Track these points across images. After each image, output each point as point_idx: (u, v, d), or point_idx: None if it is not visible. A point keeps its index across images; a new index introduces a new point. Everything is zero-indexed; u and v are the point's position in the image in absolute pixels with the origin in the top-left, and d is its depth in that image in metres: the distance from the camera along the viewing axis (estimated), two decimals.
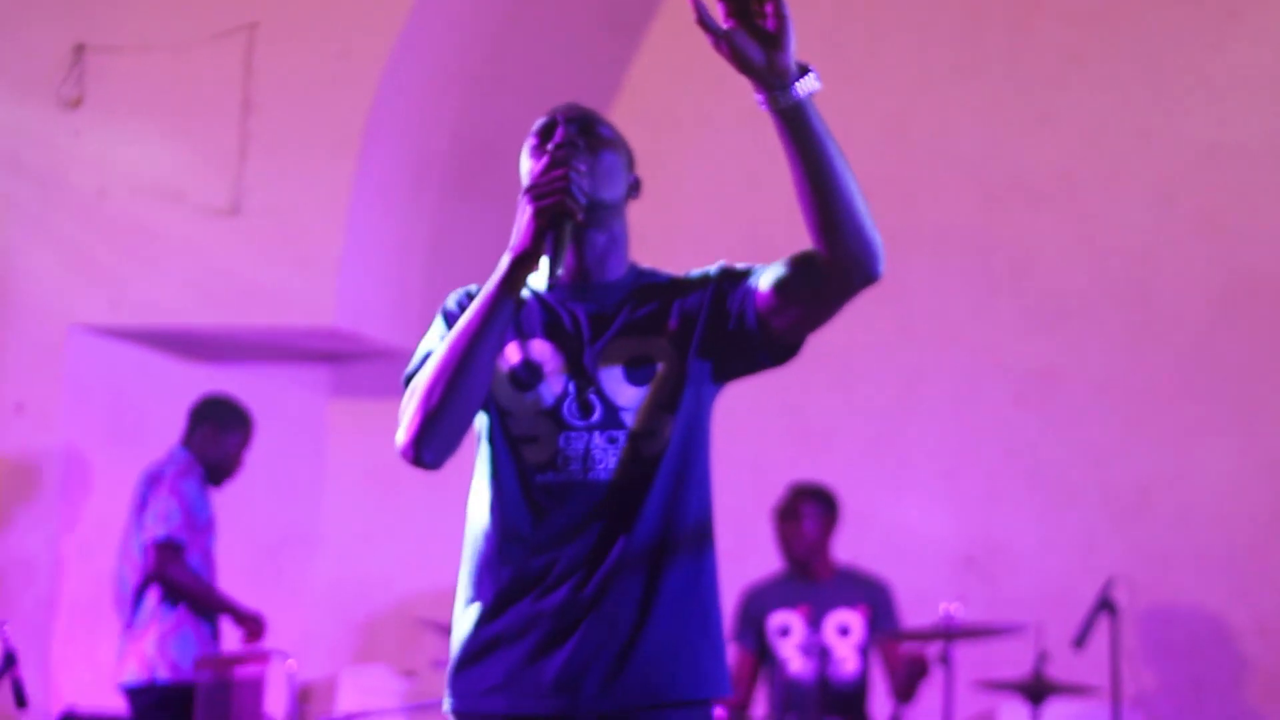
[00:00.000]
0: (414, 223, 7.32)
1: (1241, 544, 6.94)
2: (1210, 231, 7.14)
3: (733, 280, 3.00)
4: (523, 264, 2.86)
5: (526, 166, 3.04)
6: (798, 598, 6.24)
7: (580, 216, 2.86)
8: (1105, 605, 6.12)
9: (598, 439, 2.95)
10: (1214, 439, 7.00)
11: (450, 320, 3.04)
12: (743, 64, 2.69)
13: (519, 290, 2.88)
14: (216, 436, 6.36)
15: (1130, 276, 7.22)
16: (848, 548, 6.50)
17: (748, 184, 7.34)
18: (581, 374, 2.97)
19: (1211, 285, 7.12)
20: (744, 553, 6.37)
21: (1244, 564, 6.94)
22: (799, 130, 2.77)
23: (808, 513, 6.31)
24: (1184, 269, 7.16)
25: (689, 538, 2.98)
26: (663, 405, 2.95)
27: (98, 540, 6.86)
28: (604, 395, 2.96)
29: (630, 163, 3.10)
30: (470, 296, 3.07)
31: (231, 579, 6.43)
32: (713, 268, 3.05)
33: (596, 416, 2.95)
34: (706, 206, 7.52)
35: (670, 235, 6.63)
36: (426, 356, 2.99)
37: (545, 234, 2.84)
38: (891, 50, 7.52)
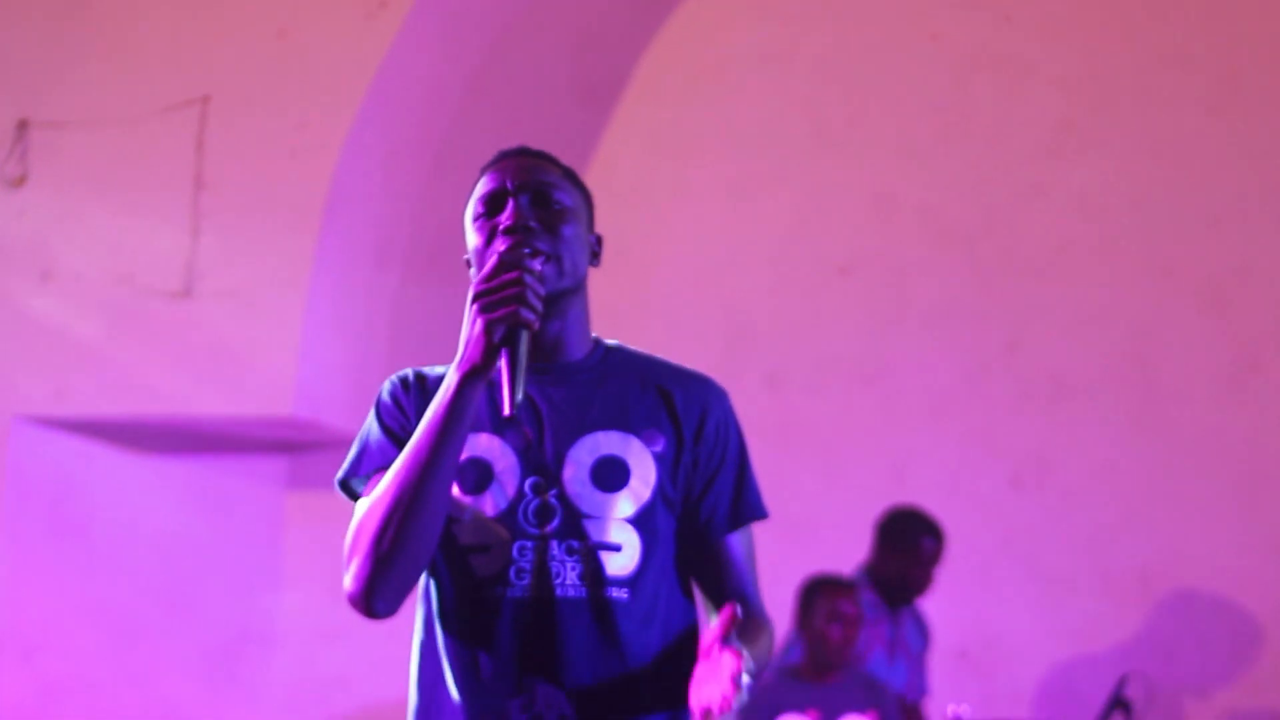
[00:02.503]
0: (375, 304, 7.14)
1: (1247, 632, 6.75)
2: (1212, 305, 6.98)
3: (711, 472, 2.74)
4: (471, 381, 2.54)
5: (471, 242, 2.74)
6: (807, 700, 5.97)
7: (538, 326, 2.55)
8: (1120, 704, 5.90)
9: (556, 549, 2.64)
10: (1217, 522, 6.84)
11: (385, 416, 2.73)
12: None
13: (469, 409, 2.55)
14: (900, 555, 6.32)
15: (1129, 352, 7.05)
16: None
17: (724, 259, 7.21)
18: (541, 472, 2.65)
19: (1214, 361, 6.96)
20: None
21: (1249, 652, 6.76)
22: None
23: (847, 613, 6.02)
24: (1185, 345, 7.00)
25: (669, 664, 2.67)
26: (633, 519, 2.65)
27: (38, 641, 6.63)
28: (566, 499, 2.64)
29: (590, 221, 2.80)
30: (405, 385, 2.76)
31: (183, 680, 6.20)
32: (707, 399, 2.76)
33: (555, 524, 2.64)
34: (680, 282, 7.34)
35: (642, 312, 6.47)
36: (360, 459, 2.70)
37: (499, 349, 2.52)
38: (874, 120, 7.37)
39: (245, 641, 7.28)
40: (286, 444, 7.31)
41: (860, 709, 5.94)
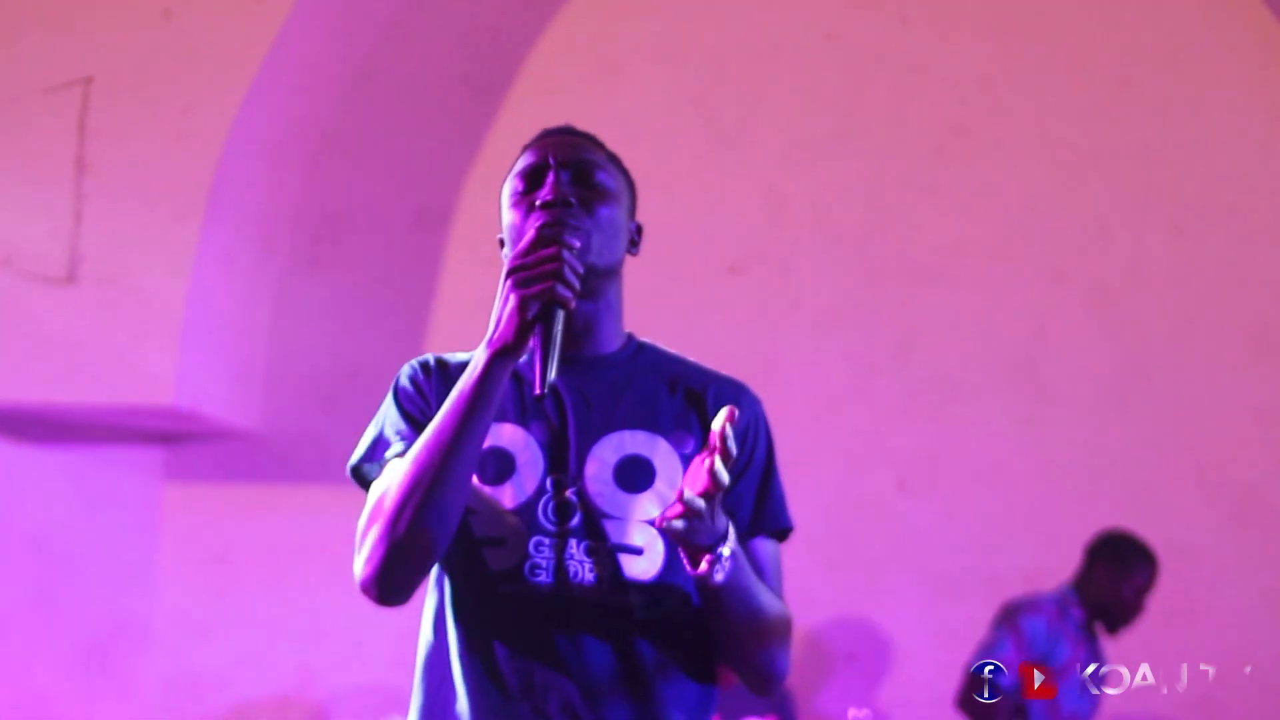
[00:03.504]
0: (258, 294, 7.04)
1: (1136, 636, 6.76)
2: (1103, 310, 7.00)
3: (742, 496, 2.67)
4: (502, 360, 2.44)
5: (508, 219, 2.65)
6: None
7: (574, 305, 2.45)
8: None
9: (574, 549, 2.55)
10: (1103, 526, 6.81)
11: (404, 401, 2.63)
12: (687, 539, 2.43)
13: (498, 390, 2.45)
14: (1114, 577, 6.15)
15: (1019, 356, 7.05)
16: None
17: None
18: (562, 468, 2.57)
19: (1104, 366, 6.98)
20: None
21: (1137, 659, 6.76)
22: (721, 603, 2.52)
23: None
24: (1075, 349, 7.01)
25: (686, 671, 2.59)
26: (655, 522, 2.53)
27: None
28: (586, 498, 2.56)
29: (631, 208, 2.73)
30: (425, 370, 2.66)
31: (54, 676, 6.07)
32: (738, 403, 2.65)
33: (575, 521, 2.55)
34: None
35: None
36: (376, 444, 2.60)
37: (532, 326, 2.42)
38: (767, 118, 7.34)
39: (119, 637, 7.14)
40: (165, 434, 7.18)
41: (759, 714, 5.92)
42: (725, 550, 2.48)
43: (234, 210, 6.75)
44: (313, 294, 7.13)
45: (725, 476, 2.38)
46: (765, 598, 2.60)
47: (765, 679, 2.64)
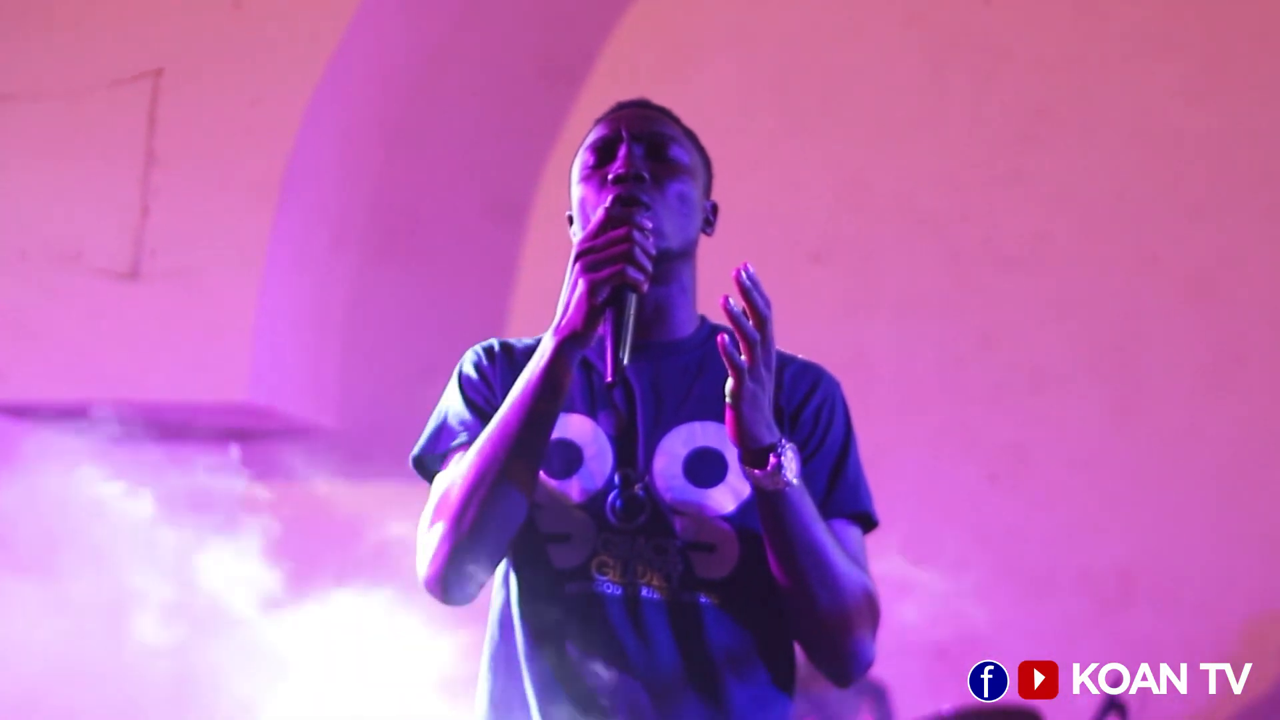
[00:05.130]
0: (331, 287, 7.02)
1: (1232, 629, 6.66)
2: (1197, 297, 6.87)
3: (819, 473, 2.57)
4: (571, 347, 2.35)
5: (577, 194, 2.57)
6: (802, 709, 5.87)
7: (646, 287, 2.35)
8: (1114, 705, 5.81)
9: (643, 546, 2.46)
10: (1201, 519, 6.73)
11: (468, 388, 2.55)
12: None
13: (567, 380, 2.36)
14: None
15: (1110, 345, 6.94)
16: None
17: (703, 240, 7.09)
18: (630, 462, 2.48)
19: (1198, 354, 6.85)
20: None
21: (1234, 653, 6.67)
22: (773, 515, 2.40)
23: None
24: (1169, 337, 6.89)
25: (761, 674, 2.50)
26: (730, 517, 2.46)
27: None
28: (655, 493, 2.46)
29: (707, 185, 2.64)
30: (490, 355, 2.59)
31: (135, 676, 6.04)
32: (814, 384, 2.62)
33: (644, 518, 2.46)
34: None
35: None
36: (440, 434, 2.52)
37: (602, 311, 2.33)
38: (848, 104, 7.25)
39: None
40: (240, 431, 7.16)
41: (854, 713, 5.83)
42: (788, 451, 2.37)
43: (305, 202, 6.74)
44: (387, 287, 7.09)
45: (755, 333, 2.31)
46: (835, 547, 2.47)
47: (845, 659, 2.51)
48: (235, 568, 7.04)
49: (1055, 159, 7.09)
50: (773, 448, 2.36)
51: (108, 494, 6.90)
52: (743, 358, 2.30)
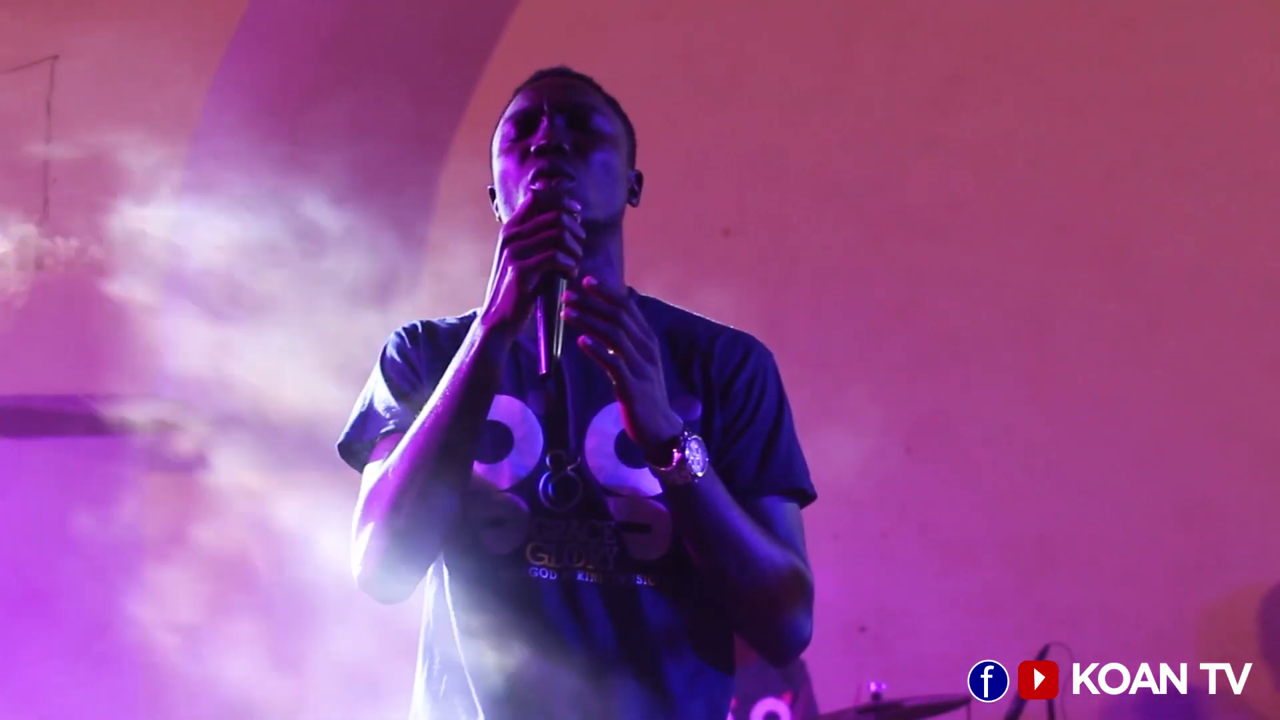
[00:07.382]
0: None
1: (1152, 596, 6.68)
2: (1110, 262, 6.89)
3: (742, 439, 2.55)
4: (501, 336, 2.31)
5: (499, 167, 2.52)
6: None
7: (577, 272, 2.30)
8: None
9: (577, 529, 2.43)
10: (1119, 487, 6.75)
11: (392, 372, 2.50)
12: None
13: (498, 369, 2.32)
14: None
15: (1026, 313, 6.96)
16: None
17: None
18: (561, 443, 2.44)
19: (1113, 319, 6.87)
20: None
21: (1155, 621, 6.69)
22: (684, 508, 2.37)
23: None
24: (1083, 303, 6.90)
25: (700, 654, 2.48)
26: (662, 496, 2.42)
27: None
28: (587, 474, 2.43)
29: (631, 155, 2.60)
30: (413, 338, 2.53)
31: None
32: (745, 355, 2.61)
33: (577, 500, 2.43)
34: None
35: None
36: (365, 421, 2.48)
37: (533, 299, 2.29)
38: (758, 74, 7.24)
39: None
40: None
41: (776, 693, 5.83)
42: (692, 443, 2.35)
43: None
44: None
45: (615, 359, 2.29)
46: (755, 530, 2.46)
47: (777, 640, 2.51)
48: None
49: (968, 126, 7.09)
50: (674, 441, 2.33)
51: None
52: (610, 352, 2.28)
